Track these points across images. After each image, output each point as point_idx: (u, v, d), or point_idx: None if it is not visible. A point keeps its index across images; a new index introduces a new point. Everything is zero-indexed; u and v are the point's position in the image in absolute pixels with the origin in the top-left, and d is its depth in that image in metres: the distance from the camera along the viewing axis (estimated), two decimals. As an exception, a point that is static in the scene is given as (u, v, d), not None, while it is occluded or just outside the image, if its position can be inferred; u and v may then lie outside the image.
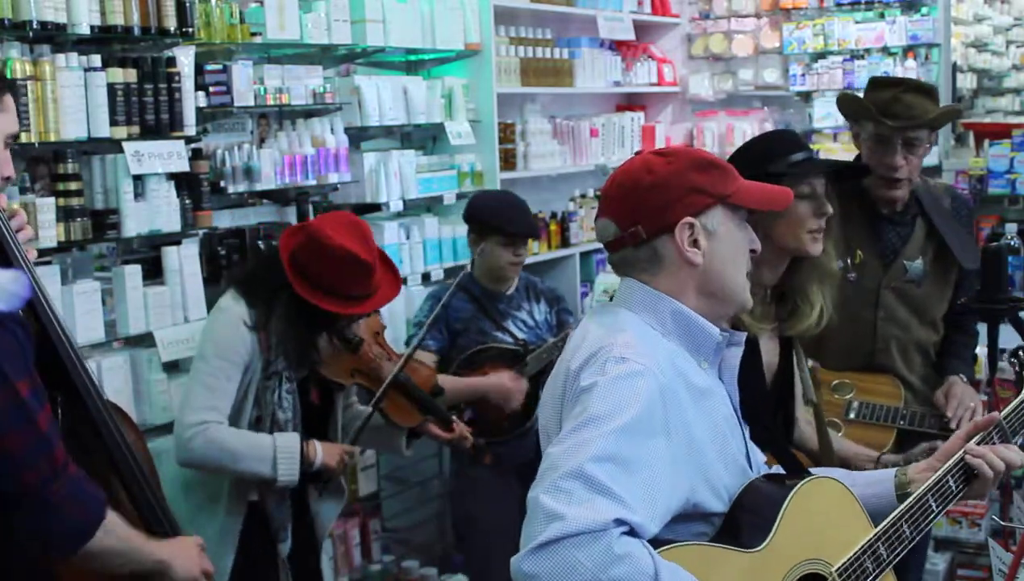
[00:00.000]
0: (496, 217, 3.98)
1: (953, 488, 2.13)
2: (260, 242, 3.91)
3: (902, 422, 3.18)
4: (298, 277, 3.02)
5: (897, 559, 2.04)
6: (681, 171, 1.92)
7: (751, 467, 2.00)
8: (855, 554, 1.98)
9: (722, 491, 1.90)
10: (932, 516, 2.10)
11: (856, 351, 3.28)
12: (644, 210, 1.92)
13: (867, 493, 2.13)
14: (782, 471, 2.14)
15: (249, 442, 3.05)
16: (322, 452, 3.13)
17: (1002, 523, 3.33)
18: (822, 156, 3.63)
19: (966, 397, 3.23)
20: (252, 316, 3.06)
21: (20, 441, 1.88)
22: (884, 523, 2.04)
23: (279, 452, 3.04)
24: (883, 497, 2.14)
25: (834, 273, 2.63)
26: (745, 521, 1.90)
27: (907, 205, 3.31)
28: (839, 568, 1.96)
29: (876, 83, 3.35)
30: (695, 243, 1.91)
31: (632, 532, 1.68)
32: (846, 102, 3.38)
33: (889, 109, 3.17)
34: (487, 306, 4.00)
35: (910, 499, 2.08)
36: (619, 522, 1.66)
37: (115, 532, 2.03)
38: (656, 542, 1.74)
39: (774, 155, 2.48)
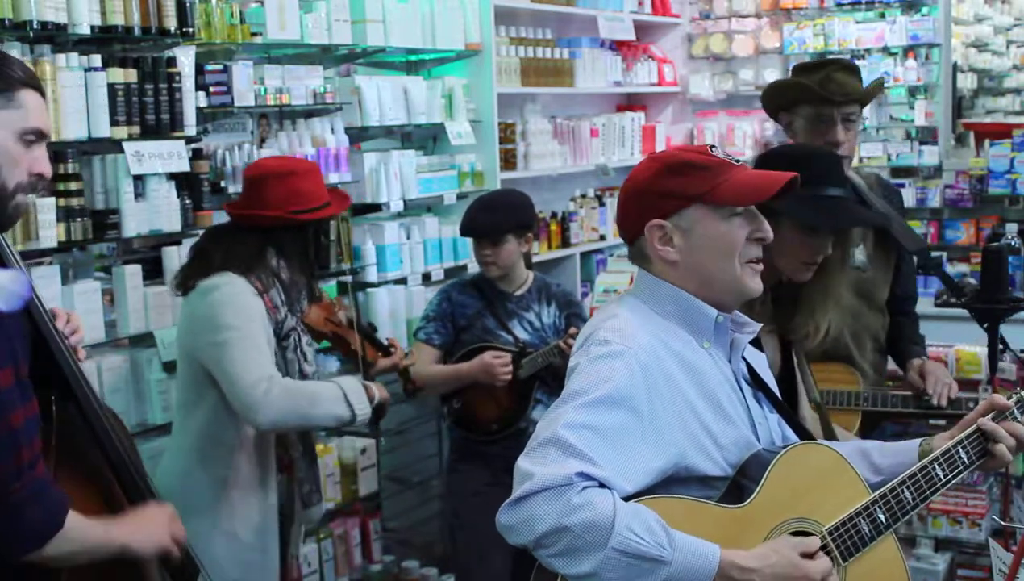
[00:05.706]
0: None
1: (964, 459, 2.16)
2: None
3: (865, 403, 3.23)
4: (262, 209, 3.03)
5: (898, 524, 2.08)
6: (652, 177, 2.06)
7: (759, 440, 2.08)
8: (849, 515, 2.04)
9: (716, 456, 2.00)
10: (939, 484, 2.13)
11: None
12: (625, 215, 2.11)
13: (893, 463, 2.19)
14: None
15: (317, 387, 3.01)
16: (375, 387, 3.11)
17: (1002, 523, 3.34)
18: None
19: (941, 374, 3.28)
20: (252, 283, 3.01)
21: None
22: (884, 488, 2.09)
23: (348, 391, 3.01)
24: (907, 466, 2.17)
25: (839, 295, 2.67)
26: (739, 484, 2.01)
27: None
28: (830, 527, 2.02)
29: (802, 68, 3.38)
30: (670, 242, 2.04)
31: (602, 486, 1.85)
32: (781, 89, 3.39)
33: (825, 88, 3.23)
34: (495, 304, 3.94)
35: (915, 466, 2.13)
36: (583, 476, 1.83)
37: (71, 537, 1.95)
38: (640, 496, 1.90)
39: (808, 180, 2.37)
